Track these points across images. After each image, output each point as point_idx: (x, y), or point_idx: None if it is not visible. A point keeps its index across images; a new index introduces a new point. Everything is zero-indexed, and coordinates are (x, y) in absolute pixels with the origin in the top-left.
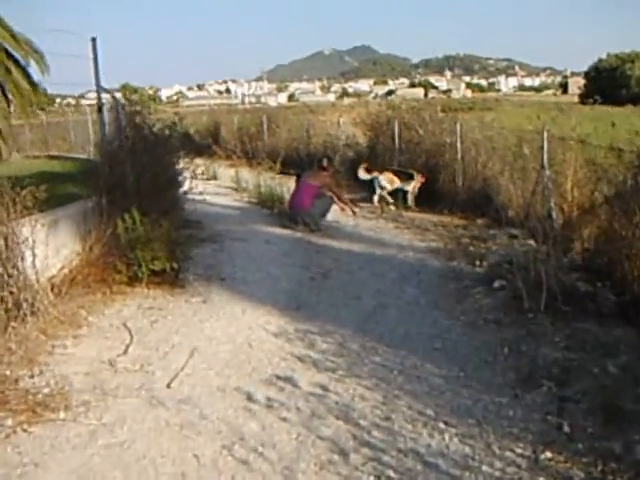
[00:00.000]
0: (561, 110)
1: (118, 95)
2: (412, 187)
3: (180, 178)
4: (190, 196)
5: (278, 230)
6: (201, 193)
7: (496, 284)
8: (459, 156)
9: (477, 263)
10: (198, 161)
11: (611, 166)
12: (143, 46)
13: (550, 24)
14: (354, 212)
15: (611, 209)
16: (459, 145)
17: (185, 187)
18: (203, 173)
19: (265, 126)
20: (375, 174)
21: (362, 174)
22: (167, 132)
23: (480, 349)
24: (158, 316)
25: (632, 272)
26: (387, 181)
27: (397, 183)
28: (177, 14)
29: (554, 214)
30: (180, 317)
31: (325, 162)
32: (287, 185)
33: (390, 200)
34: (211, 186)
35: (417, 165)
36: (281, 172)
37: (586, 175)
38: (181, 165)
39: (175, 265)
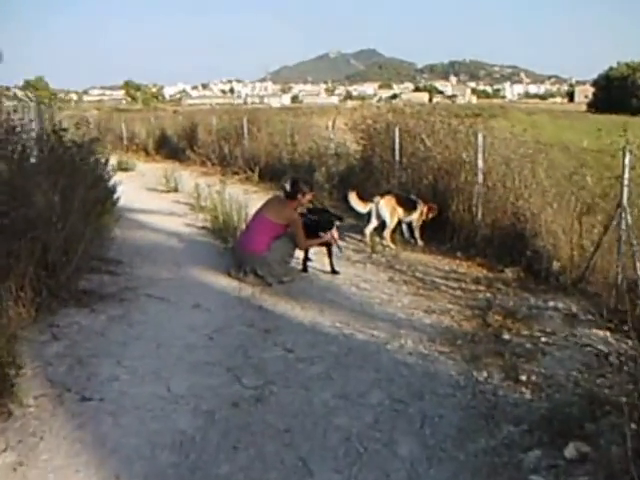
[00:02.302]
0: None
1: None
2: (415, 219)
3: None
4: (135, 216)
5: (221, 281)
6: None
7: (570, 451)
8: (480, 178)
9: (522, 378)
10: (165, 167)
11: None
12: (148, 43)
13: (556, 32)
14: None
15: None
16: (480, 163)
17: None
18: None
19: (245, 129)
20: (375, 200)
21: (355, 203)
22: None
23: None
24: None
25: None
26: (389, 211)
27: (399, 214)
28: (185, 12)
29: None
30: None
31: (288, 186)
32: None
33: (408, 236)
34: (167, 202)
35: (422, 187)
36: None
37: None
38: (109, 178)
39: None
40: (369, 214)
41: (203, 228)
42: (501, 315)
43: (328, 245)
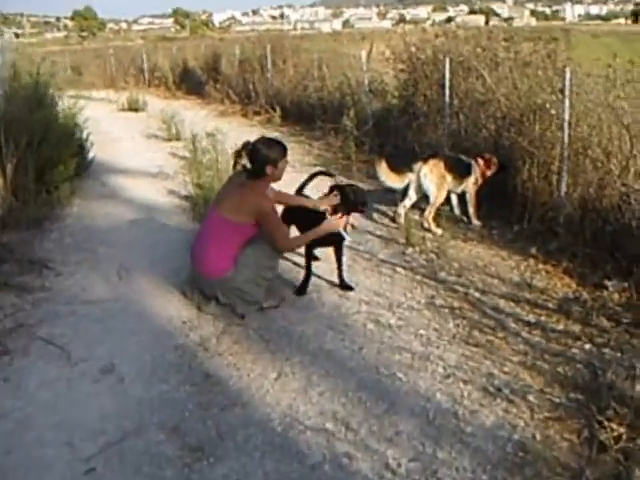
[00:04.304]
0: None
1: None
2: (470, 188)
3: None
4: (112, 179)
5: (169, 308)
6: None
7: None
8: (565, 134)
9: None
10: (183, 106)
11: None
12: None
13: None
14: (302, 289)
15: None
16: (566, 111)
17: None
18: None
19: (269, 61)
20: (415, 167)
21: (385, 176)
22: None
23: None
24: None
25: None
26: (435, 182)
27: (448, 184)
28: None
29: None
30: None
31: (245, 160)
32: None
33: (459, 212)
34: (161, 155)
35: (479, 141)
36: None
37: None
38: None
39: None
40: (406, 187)
41: (187, 198)
42: (621, 422)
43: (335, 243)
